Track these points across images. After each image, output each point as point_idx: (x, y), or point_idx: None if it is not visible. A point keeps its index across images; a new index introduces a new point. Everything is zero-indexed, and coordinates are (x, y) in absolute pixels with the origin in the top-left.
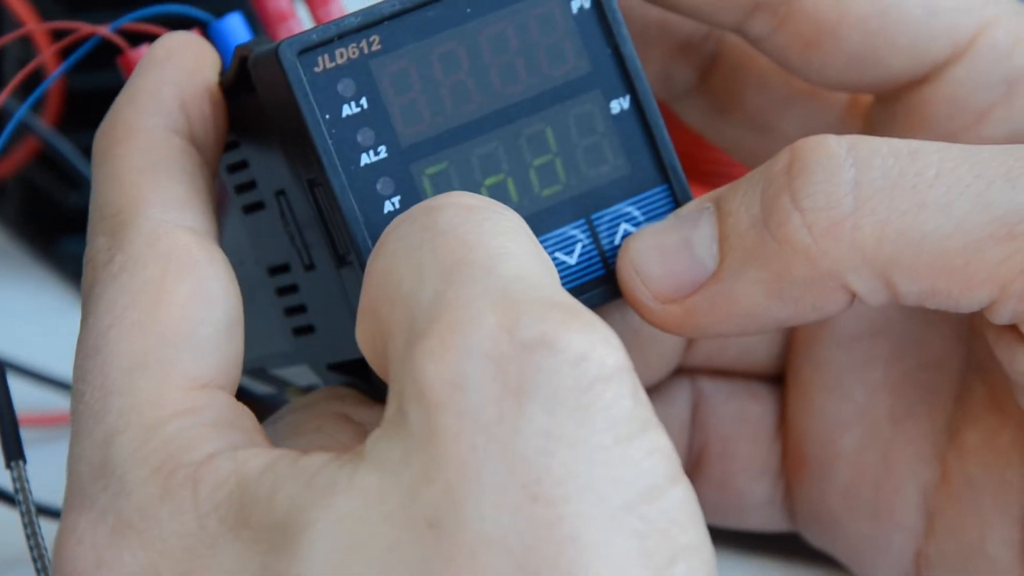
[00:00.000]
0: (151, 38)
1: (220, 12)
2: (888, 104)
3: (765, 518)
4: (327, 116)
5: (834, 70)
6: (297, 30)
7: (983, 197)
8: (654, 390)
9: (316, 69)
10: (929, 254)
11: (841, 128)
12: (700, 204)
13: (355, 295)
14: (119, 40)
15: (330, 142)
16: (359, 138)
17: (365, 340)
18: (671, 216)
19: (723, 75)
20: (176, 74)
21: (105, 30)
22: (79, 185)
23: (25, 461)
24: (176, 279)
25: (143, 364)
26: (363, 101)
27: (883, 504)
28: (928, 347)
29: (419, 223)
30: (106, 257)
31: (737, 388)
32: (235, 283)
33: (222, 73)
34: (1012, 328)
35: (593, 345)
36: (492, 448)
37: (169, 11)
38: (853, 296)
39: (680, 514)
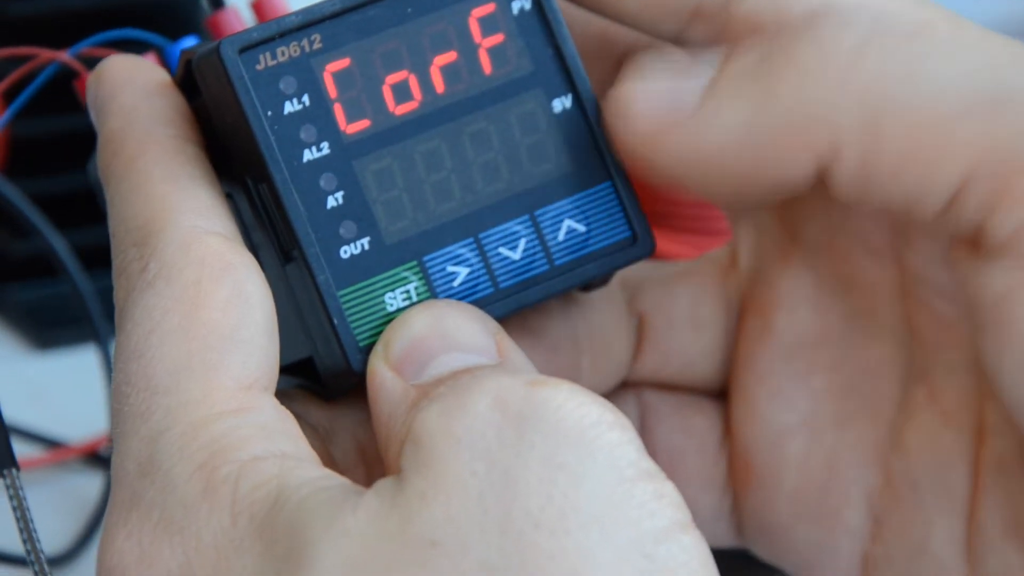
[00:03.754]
0: None
1: (175, 36)
2: None
3: (713, 532)
4: (269, 113)
5: None
6: None
7: (981, 69)
8: None
9: (257, 67)
10: (920, 108)
11: None
12: (700, 56)
13: (301, 291)
14: (78, 65)
15: (272, 138)
16: (301, 135)
17: None
18: (663, 64)
19: None
20: (152, 84)
21: (65, 55)
22: (25, 233)
23: (18, 469)
24: (213, 283)
25: (187, 366)
26: (305, 98)
27: (829, 509)
28: (867, 355)
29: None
30: (139, 266)
31: (682, 402)
32: (267, 285)
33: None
34: (976, 243)
35: (594, 399)
36: (493, 473)
37: (126, 36)
38: (817, 174)
39: (691, 560)
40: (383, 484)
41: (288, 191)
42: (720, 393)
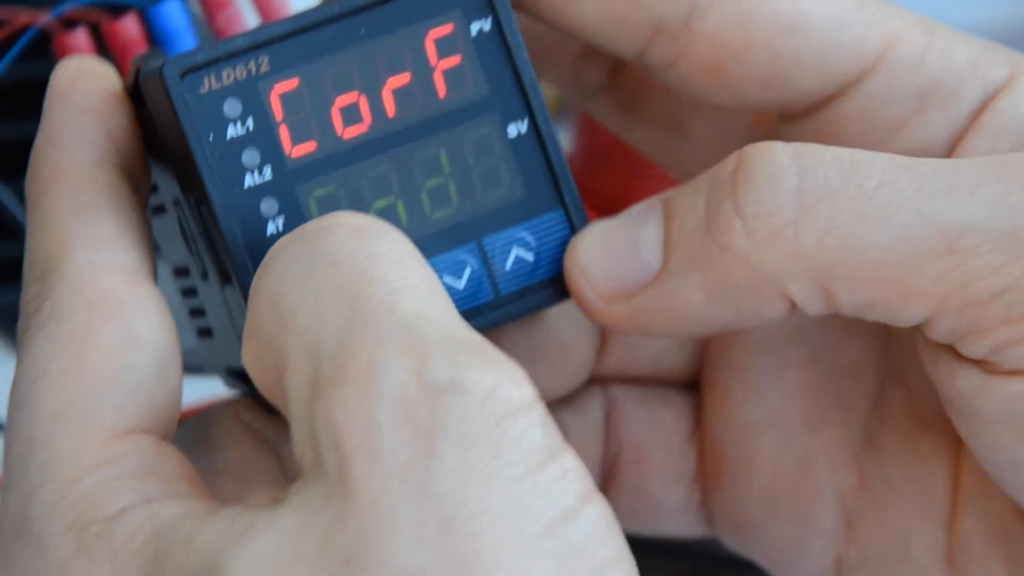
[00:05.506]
0: (90, 24)
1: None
2: (798, 121)
3: (682, 524)
4: (211, 137)
5: (741, 94)
6: (236, 17)
7: (923, 211)
8: (567, 400)
9: (201, 90)
10: (868, 265)
11: (750, 128)
12: (650, 204)
13: (239, 314)
14: (55, 27)
15: (213, 163)
16: (243, 159)
17: (253, 363)
18: (620, 215)
19: (632, 74)
20: (88, 99)
21: (44, 18)
22: (14, 233)
23: None
24: (100, 325)
25: (64, 416)
26: (249, 122)
27: (801, 508)
28: (843, 353)
29: (309, 245)
30: (35, 305)
31: (649, 395)
32: (168, 320)
33: (124, 80)
34: (948, 348)
35: (499, 382)
36: (406, 489)
37: None
38: (793, 304)
39: (596, 531)
40: (300, 498)
41: (227, 218)
42: (689, 385)
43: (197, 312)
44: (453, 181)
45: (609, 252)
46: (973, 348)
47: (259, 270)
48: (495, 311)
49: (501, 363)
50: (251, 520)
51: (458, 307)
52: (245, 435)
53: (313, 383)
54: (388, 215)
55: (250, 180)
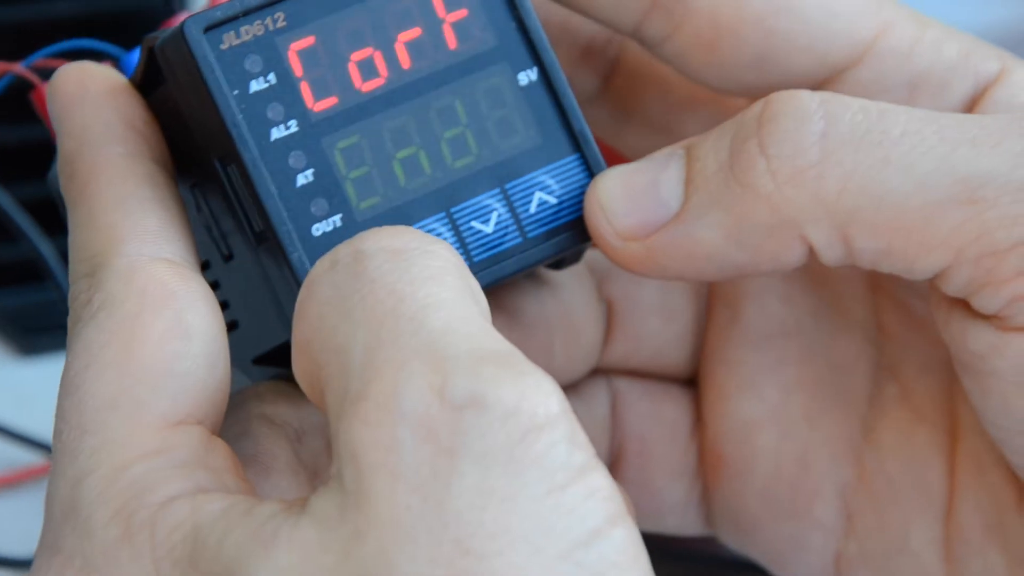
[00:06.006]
0: None
1: (129, 46)
2: None
3: (682, 520)
4: (235, 92)
5: (734, 73)
6: None
7: (946, 160)
8: (572, 389)
9: (222, 46)
10: (889, 211)
11: None
12: (672, 149)
13: (275, 272)
14: (32, 76)
15: (240, 117)
16: (269, 113)
17: (303, 378)
18: (643, 159)
19: (625, 80)
20: (103, 96)
21: (19, 67)
22: (11, 238)
23: None
24: (152, 315)
25: (116, 403)
26: (271, 77)
27: (801, 503)
28: (837, 349)
29: (349, 269)
30: (85, 297)
31: (652, 388)
32: (217, 311)
33: (128, 78)
34: (962, 303)
35: (523, 395)
36: (425, 507)
37: (80, 46)
38: (809, 250)
39: (621, 556)
40: (320, 509)
41: (258, 170)
42: (691, 380)
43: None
44: (470, 130)
45: (629, 191)
46: (988, 302)
47: (303, 290)
48: (523, 254)
49: (528, 374)
50: (276, 529)
51: (488, 251)
52: (264, 426)
53: (342, 400)
54: (411, 164)
55: (276, 133)
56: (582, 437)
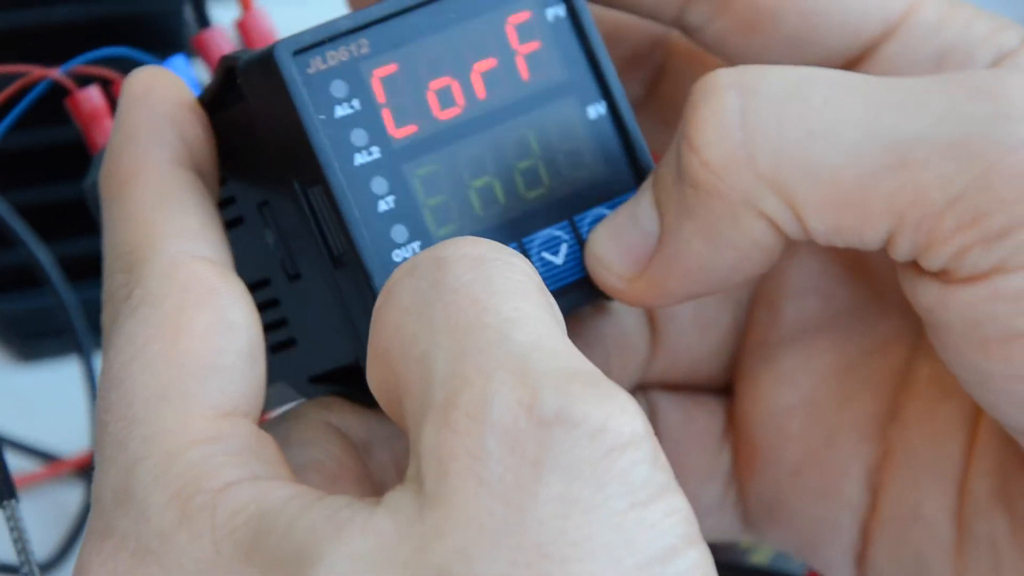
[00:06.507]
0: (100, 80)
1: (159, 50)
2: None
3: (717, 522)
4: (322, 116)
5: (773, 54)
6: None
7: (872, 126)
8: None
9: (309, 71)
10: (826, 186)
11: None
12: (646, 181)
13: (351, 295)
14: (69, 83)
15: (326, 141)
16: (352, 138)
17: (378, 386)
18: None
19: (670, 86)
20: (164, 105)
21: (57, 73)
22: (9, 244)
23: (17, 500)
24: (196, 309)
25: (166, 395)
26: (355, 102)
27: (830, 483)
28: (873, 334)
29: (430, 274)
30: (125, 292)
31: (684, 399)
32: (254, 310)
33: (200, 92)
34: (913, 264)
35: (610, 415)
36: (509, 513)
37: (116, 54)
38: (776, 227)
39: (695, 575)
40: (396, 504)
41: (343, 193)
42: (723, 389)
43: (274, 325)
44: (542, 162)
45: (615, 233)
46: (932, 260)
47: (381, 297)
48: (591, 287)
49: (614, 395)
50: (351, 516)
51: (558, 282)
52: (332, 435)
53: (425, 407)
54: (486, 194)
55: (360, 159)
56: (663, 459)
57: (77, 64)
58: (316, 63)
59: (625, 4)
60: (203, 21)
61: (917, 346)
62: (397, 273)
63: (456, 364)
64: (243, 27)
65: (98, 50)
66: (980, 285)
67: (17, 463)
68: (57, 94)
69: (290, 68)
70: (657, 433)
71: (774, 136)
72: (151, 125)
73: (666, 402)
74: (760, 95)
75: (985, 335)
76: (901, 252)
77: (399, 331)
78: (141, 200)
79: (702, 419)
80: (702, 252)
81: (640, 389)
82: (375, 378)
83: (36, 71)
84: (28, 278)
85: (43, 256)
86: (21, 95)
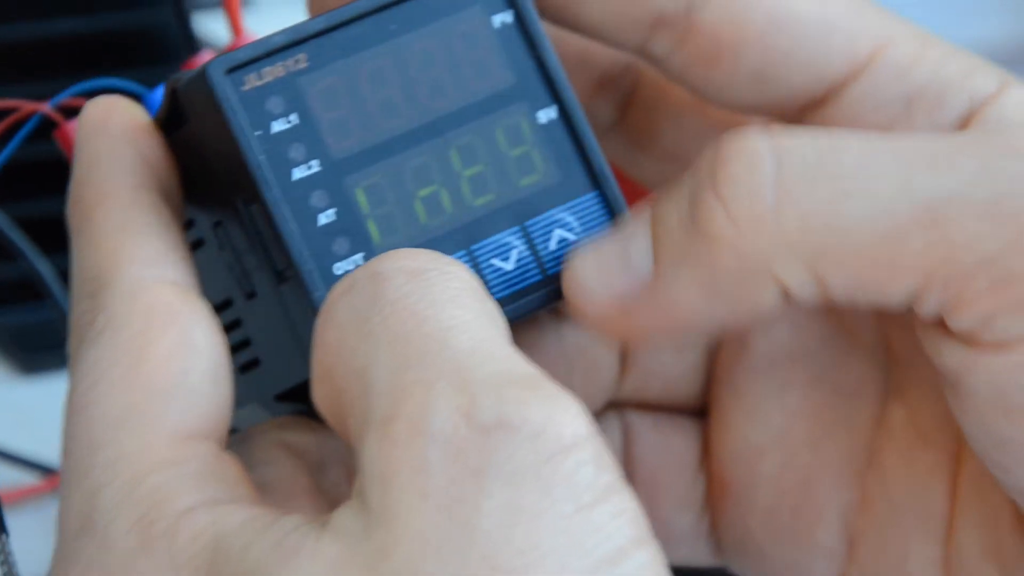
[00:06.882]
0: None
1: (151, 70)
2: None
3: (692, 550)
4: (258, 132)
5: (736, 88)
6: None
7: (905, 185)
8: None
9: (244, 87)
10: (854, 243)
11: None
12: (638, 213)
13: (297, 310)
14: (57, 116)
15: (262, 157)
16: (291, 153)
17: (323, 404)
18: (610, 231)
19: (641, 110)
20: (122, 129)
21: (46, 107)
22: (10, 257)
23: (7, 534)
24: (158, 332)
25: (127, 419)
26: (293, 117)
27: (804, 528)
28: (845, 373)
29: (367, 291)
30: (89, 318)
31: (661, 420)
32: (219, 331)
33: (152, 117)
34: (938, 324)
35: (550, 417)
36: (453, 525)
37: (104, 85)
38: (786, 292)
39: (645, 575)
40: (343, 525)
41: (280, 209)
42: (700, 411)
43: (240, 345)
44: (490, 168)
45: (602, 266)
46: (960, 321)
47: (320, 316)
48: (544, 290)
49: (554, 397)
50: (300, 540)
51: (509, 288)
52: (285, 455)
53: (367, 421)
54: (432, 203)
55: (299, 173)
56: (608, 458)
57: (66, 97)
58: (251, 80)
59: (591, 32)
60: (192, 46)
61: (890, 388)
62: (335, 291)
63: (395, 376)
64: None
65: (85, 82)
66: (1010, 353)
67: (17, 476)
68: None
69: (224, 86)
70: (632, 455)
71: (805, 199)
72: (111, 151)
73: (641, 422)
74: (794, 158)
75: (1011, 404)
76: (927, 311)
77: (339, 348)
78: (105, 226)
79: (678, 442)
80: (694, 302)
81: (615, 408)
82: (320, 396)
83: (26, 106)
84: (29, 291)
85: (44, 269)
86: (14, 128)
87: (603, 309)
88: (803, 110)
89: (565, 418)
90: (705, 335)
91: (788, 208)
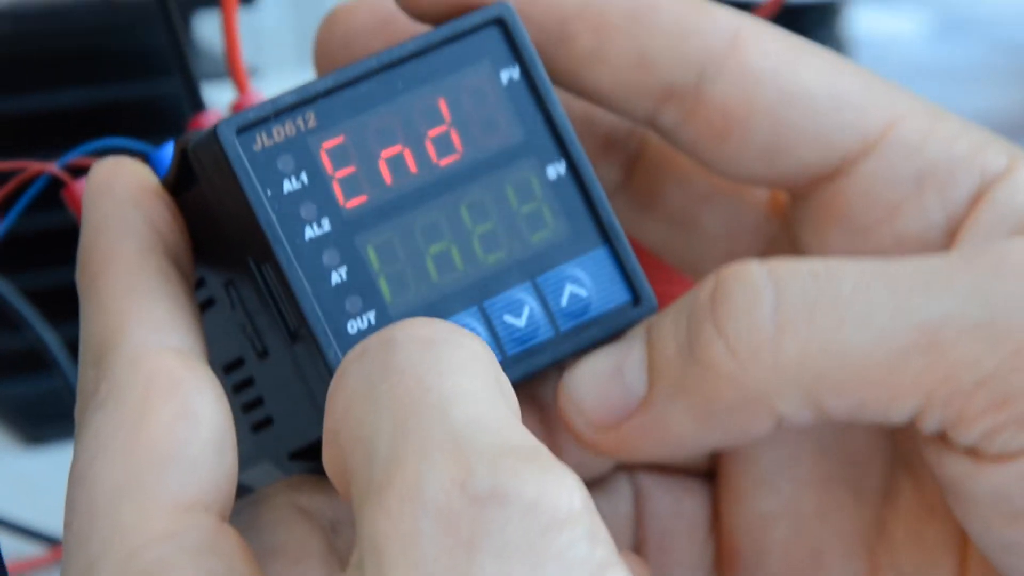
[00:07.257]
0: None
1: (157, 135)
2: (804, 200)
3: None
4: (269, 192)
5: (746, 162)
6: None
7: (901, 309)
8: (597, 485)
9: (255, 147)
10: (853, 368)
11: (763, 224)
12: (635, 331)
13: (310, 369)
14: (65, 176)
15: (274, 217)
16: (302, 212)
17: (331, 469)
18: (607, 346)
19: (646, 173)
20: (129, 192)
21: (54, 167)
22: (16, 327)
23: None
24: (160, 401)
25: (126, 489)
26: (303, 176)
27: None
28: (853, 445)
29: (379, 359)
30: (93, 387)
31: (672, 483)
32: (223, 399)
33: (161, 179)
34: (941, 437)
35: (544, 491)
36: None
37: (111, 145)
38: (780, 420)
39: None
40: None
41: (292, 269)
42: (710, 475)
43: (252, 404)
44: (501, 224)
45: (596, 381)
46: (962, 437)
47: (333, 380)
48: (556, 347)
49: (549, 469)
50: None
51: (521, 345)
52: (297, 516)
53: (367, 490)
54: (443, 260)
55: (310, 232)
56: (603, 533)
57: (73, 157)
58: (261, 139)
59: (600, 101)
60: (197, 104)
61: (896, 459)
62: (349, 356)
63: (395, 445)
64: (239, 109)
65: (92, 141)
66: (1012, 464)
67: (23, 547)
68: (58, 180)
69: (234, 146)
70: (643, 517)
71: (804, 329)
72: (117, 215)
73: (652, 484)
74: (794, 290)
75: (1015, 509)
76: (929, 428)
77: (348, 414)
78: (110, 292)
79: (689, 505)
80: (687, 428)
81: (625, 469)
82: (328, 460)
83: (33, 166)
84: (35, 361)
85: (50, 339)
86: (21, 188)
87: (593, 422)
88: (812, 184)
89: (560, 491)
90: (691, 457)
91: (788, 339)
